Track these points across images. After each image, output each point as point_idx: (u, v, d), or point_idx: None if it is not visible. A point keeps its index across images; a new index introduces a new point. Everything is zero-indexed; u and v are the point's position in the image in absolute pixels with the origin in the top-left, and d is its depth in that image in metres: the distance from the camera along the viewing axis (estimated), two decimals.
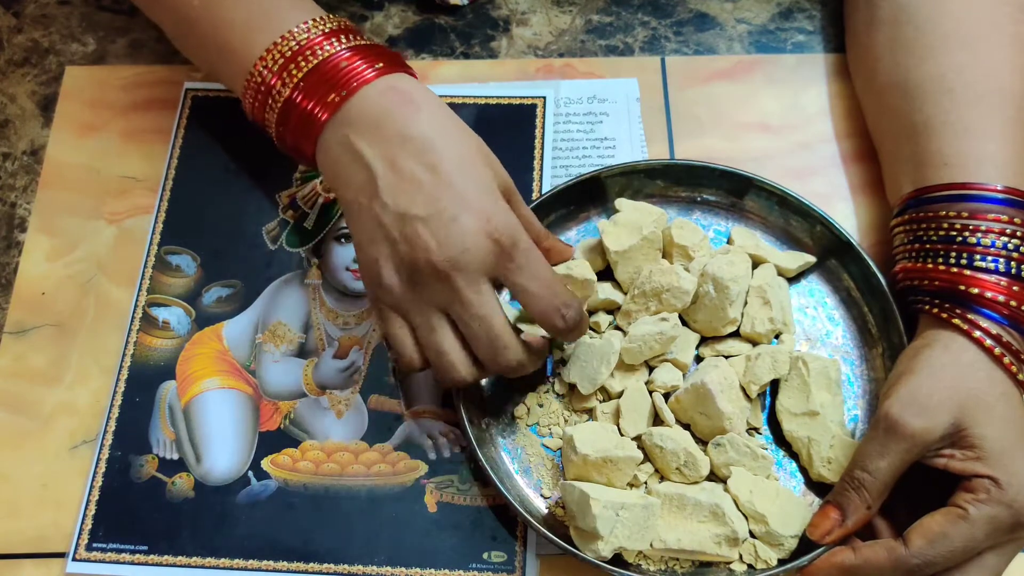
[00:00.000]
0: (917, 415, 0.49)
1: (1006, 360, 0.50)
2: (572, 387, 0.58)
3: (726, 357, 0.58)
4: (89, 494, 0.58)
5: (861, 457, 0.50)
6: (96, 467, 0.58)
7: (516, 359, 0.51)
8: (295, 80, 0.53)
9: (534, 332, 0.53)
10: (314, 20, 0.55)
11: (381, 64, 0.53)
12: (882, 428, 0.50)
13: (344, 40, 0.54)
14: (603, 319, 0.60)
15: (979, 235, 0.52)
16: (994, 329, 0.51)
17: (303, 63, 0.54)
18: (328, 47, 0.54)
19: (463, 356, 0.51)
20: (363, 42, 0.55)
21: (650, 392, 0.57)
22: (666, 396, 0.57)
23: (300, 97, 0.53)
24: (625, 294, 0.60)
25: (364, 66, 0.53)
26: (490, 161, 0.53)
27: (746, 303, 0.58)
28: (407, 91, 0.53)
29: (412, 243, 0.49)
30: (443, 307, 0.51)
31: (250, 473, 0.58)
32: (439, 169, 0.50)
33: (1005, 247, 0.52)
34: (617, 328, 0.60)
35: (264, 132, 0.58)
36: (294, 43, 0.54)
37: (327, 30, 0.55)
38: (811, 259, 0.61)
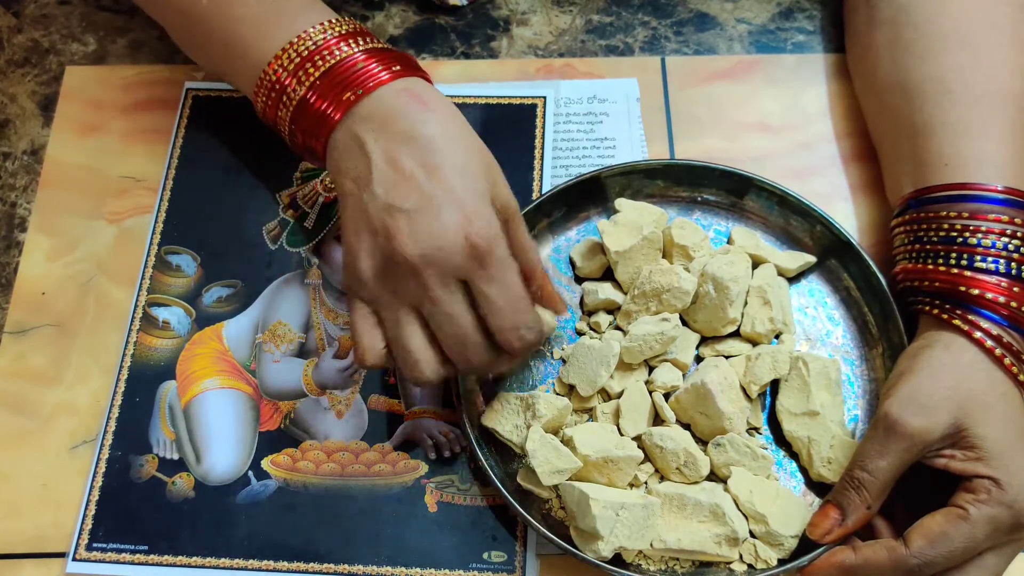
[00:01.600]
0: (916, 414, 0.49)
1: (1007, 361, 0.50)
2: (571, 388, 0.58)
3: (726, 357, 0.58)
4: (89, 494, 0.58)
5: (861, 457, 0.50)
6: (96, 467, 0.58)
7: (482, 361, 0.51)
8: (310, 80, 0.54)
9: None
10: (328, 22, 0.55)
11: (398, 67, 0.53)
12: (882, 428, 0.50)
13: (360, 43, 0.55)
14: (603, 319, 0.60)
15: (979, 236, 0.52)
16: (994, 330, 0.51)
17: (320, 63, 0.54)
18: (344, 48, 0.54)
19: (430, 355, 0.51)
20: (378, 45, 0.55)
21: (650, 392, 0.57)
22: (666, 396, 0.57)
23: (314, 97, 0.53)
24: (625, 294, 0.60)
25: (380, 68, 0.53)
26: (491, 175, 0.52)
27: (746, 303, 0.58)
28: (420, 93, 0.53)
29: (391, 235, 0.49)
30: (413, 303, 0.50)
31: (250, 473, 0.58)
32: (436, 171, 0.50)
33: (1006, 248, 0.52)
34: (617, 328, 0.60)
35: (275, 130, 0.58)
36: (310, 43, 0.54)
37: (342, 32, 0.55)
38: (811, 259, 0.61)
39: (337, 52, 0.54)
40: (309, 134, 0.54)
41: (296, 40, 0.55)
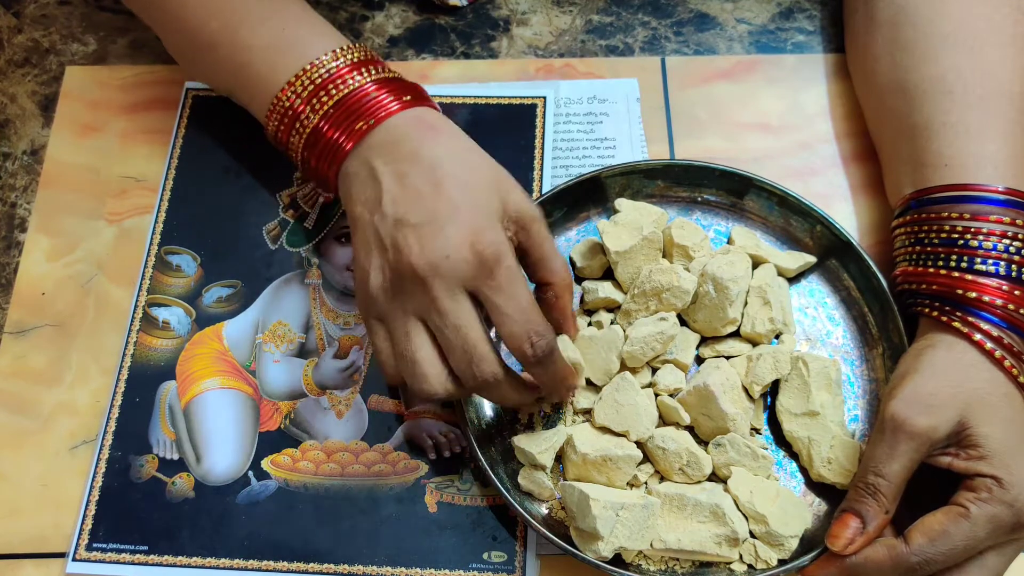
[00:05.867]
0: (922, 413, 0.49)
1: (1007, 363, 0.50)
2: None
3: (726, 357, 0.58)
4: (89, 494, 0.58)
5: (873, 462, 0.50)
6: (96, 467, 0.58)
7: (491, 373, 0.50)
8: (323, 109, 0.55)
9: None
10: (340, 49, 0.56)
11: (408, 97, 0.55)
12: (889, 429, 0.50)
13: (370, 72, 0.56)
14: (604, 318, 0.60)
15: (980, 238, 0.52)
16: (994, 332, 0.51)
17: (333, 91, 0.55)
18: (355, 78, 0.55)
19: (438, 368, 0.50)
20: (388, 75, 0.56)
21: (655, 395, 0.57)
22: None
23: (327, 126, 0.54)
24: (625, 294, 0.60)
25: (390, 99, 0.54)
26: (502, 189, 0.52)
27: (746, 303, 0.58)
28: (429, 120, 0.54)
29: (399, 248, 0.50)
30: (421, 315, 0.50)
31: (250, 473, 0.58)
32: (442, 186, 0.51)
33: (1007, 250, 0.52)
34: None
35: (286, 154, 0.59)
36: (323, 71, 0.55)
37: (353, 60, 0.56)
38: (811, 259, 0.61)
39: (350, 81, 0.55)
40: (322, 161, 0.55)
41: (308, 68, 0.56)
